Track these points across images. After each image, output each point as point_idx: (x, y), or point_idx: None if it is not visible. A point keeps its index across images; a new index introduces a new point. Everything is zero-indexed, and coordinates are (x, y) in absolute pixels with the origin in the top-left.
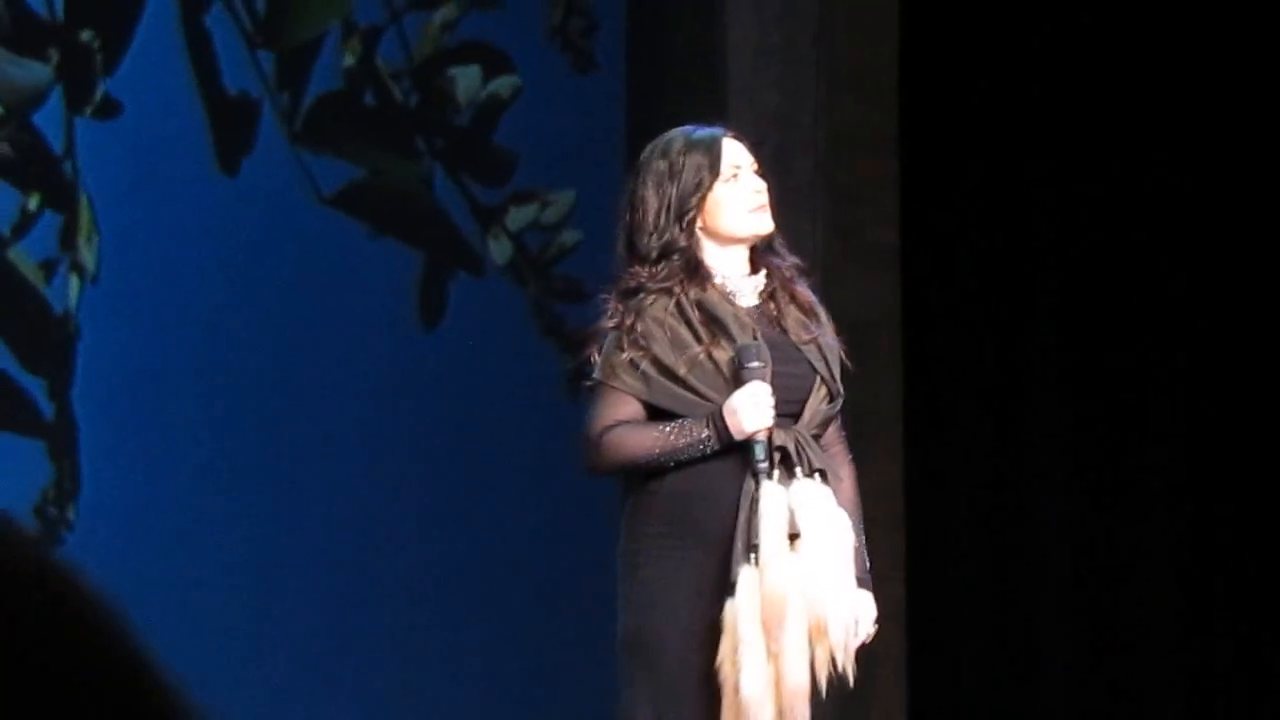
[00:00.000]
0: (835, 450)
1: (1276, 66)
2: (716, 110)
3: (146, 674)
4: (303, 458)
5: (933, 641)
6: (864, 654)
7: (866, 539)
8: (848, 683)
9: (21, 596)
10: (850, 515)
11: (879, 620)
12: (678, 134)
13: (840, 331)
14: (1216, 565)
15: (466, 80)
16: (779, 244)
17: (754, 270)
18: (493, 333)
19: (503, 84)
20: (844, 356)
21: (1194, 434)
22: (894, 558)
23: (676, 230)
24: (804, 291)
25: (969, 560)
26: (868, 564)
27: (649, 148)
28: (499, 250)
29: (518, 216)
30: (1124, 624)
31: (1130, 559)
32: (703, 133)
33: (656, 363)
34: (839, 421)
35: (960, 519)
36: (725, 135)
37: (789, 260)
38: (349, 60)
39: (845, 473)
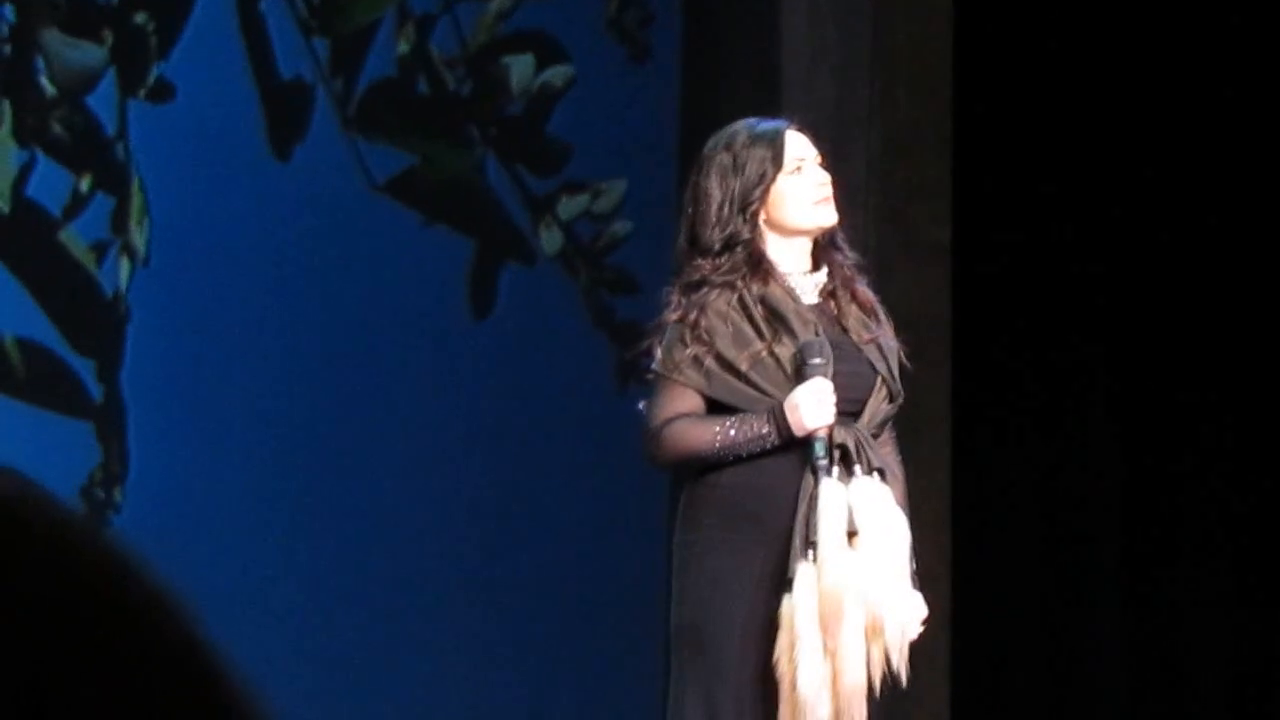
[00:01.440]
0: (889, 450)
1: None
2: (770, 104)
3: (207, 661)
4: (351, 445)
5: (978, 642)
6: (910, 653)
7: (915, 536)
8: (900, 683)
9: (78, 578)
10: (905, 514)
11: (928, 620)
12: (741, 126)
13: (896, 330)
14: (1273, 566)
15: (520, 69)
16: (841, 239)
17: (815, 266)
18: (543, 323)
19: (556, 73)
20: (903, 358)
21: (1248, 435)
22: (940, 557)
23: (740, 222)
24: (865, 291)
25: (1015, 561)
26: (915, 563)
27: (712, 140)
28: (550, 240)
29: (569, 206)
30: (1174, 625)
31: (1183, 558)
32: (766, 125)
33: (719, 358)
34: (891, 422)
35: (1007, 520)
36: (789, 127)
37: (851, 258)
38: (403, 47)
39: (899, 472)
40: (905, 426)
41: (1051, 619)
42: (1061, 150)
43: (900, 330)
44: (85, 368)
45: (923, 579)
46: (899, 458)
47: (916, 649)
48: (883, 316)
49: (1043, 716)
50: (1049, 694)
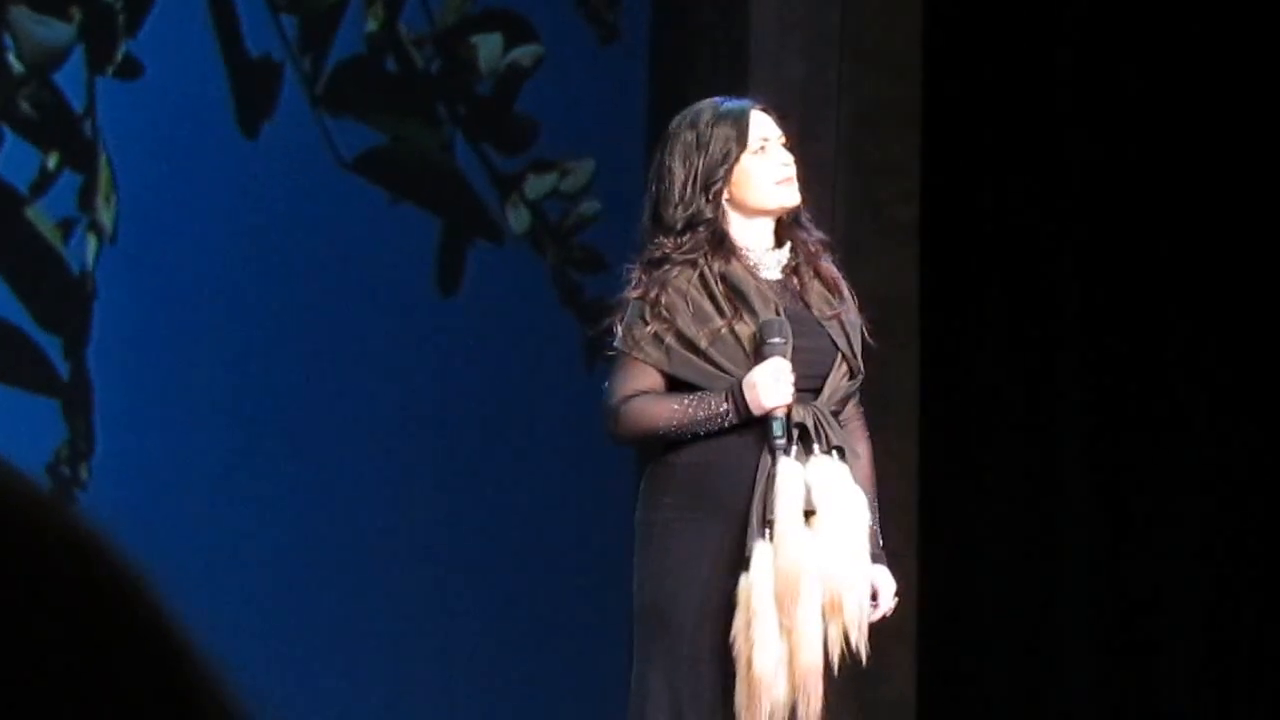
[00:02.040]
0: (854, 426)
1: None
2: (739, 84)
3: (172, 635)
4: (317, 420)
5: (945, 619)
6: (876, 631)
7: (881, 516)
8: (860, 660)
9: (47, 554)
10: (867, 492)
11: (898, 593)
12: (706, 105)
13: (860, 308)
14: (1240, 546)
15: (488, 48)
16: (805, 218)
17: (779, 244)
18: (511, 301)
19: (525, 53)
20: (866, 334)
21: (1219, 417)
22: (908, 535)
23: (703, 201)
24: (828, 267)
25: (983, 539)
26: (881, 540)
27: (677, 118)
28: (518, 219)
29: (537, 185)
30: (1141, 601)
31: (1149, 536)
32: (731, 104)
33: (679, 335)
34: (858, 397)
35: (975, 497)
36: (754, 107)
37: (815, 235)
38: (372, 25)
39: (863, 449)
40: (873, 406)
41: (1018, 598)
42: (1030, 131)
43: (868, 309)
44: (52, 345)
45: (891, 556)
46: (865, 434)
47: (883, 628)
48: (846, 293)
49: (1009, 695)
50: (1015, 672)
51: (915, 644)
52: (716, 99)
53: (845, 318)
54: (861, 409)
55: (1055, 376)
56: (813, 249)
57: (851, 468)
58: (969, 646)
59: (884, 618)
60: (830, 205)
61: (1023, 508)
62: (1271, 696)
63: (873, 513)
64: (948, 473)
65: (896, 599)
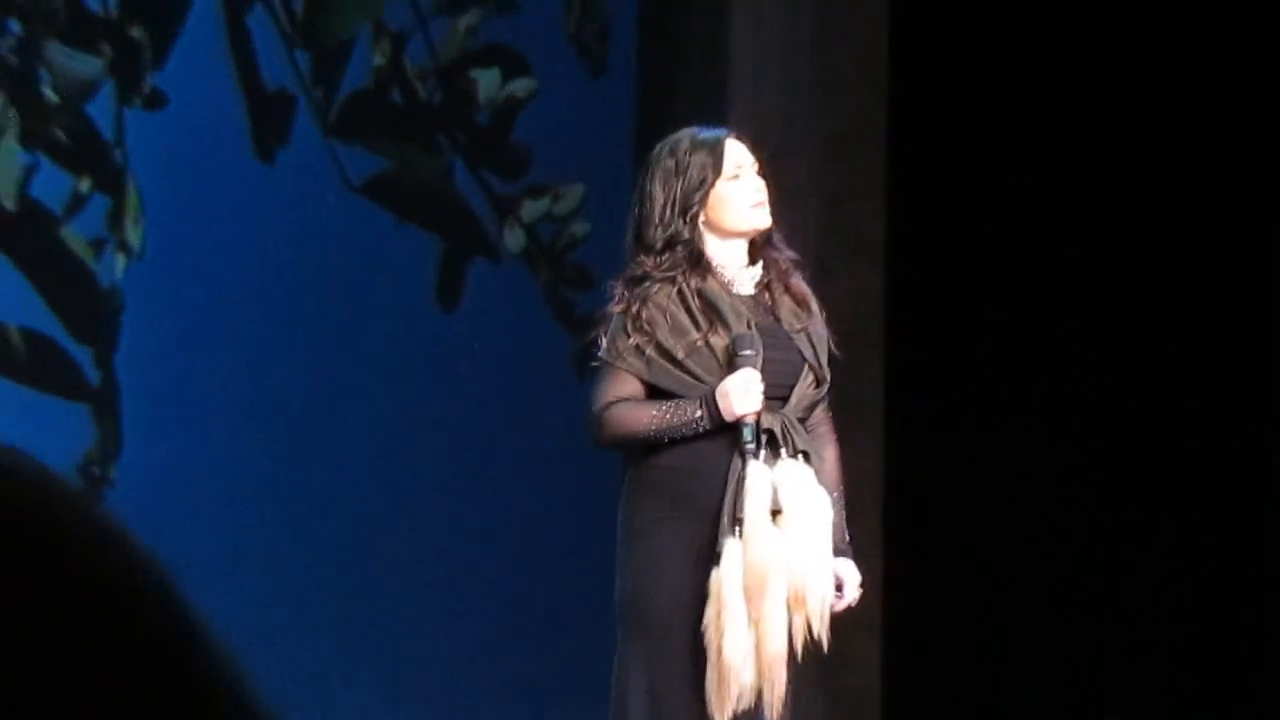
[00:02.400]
0: (822, 431)
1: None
2: (719, 114)
3: (193, 630)
4: (327, 424)
5: (908, 611)
6: (843, 622)
7: (849, 513)
8: (823, 649)
9: (73, 550)
10: (833, 491)
11: (864, 584)
12: (685, 134)
13: (830, 321)
14: (1188, 542)
15: (487, 81)
16: (777, 239)
17: (753, 262)
18: (507, 316)
19: (520, 85)
20: (833, 346)
21: (1167, 418)
22: (873, 533)
23: (681, 223)
24: (798, 284)
25: (944, 536)
26: (848, 536)
27: (658, 146)
28: (513, 239)
29: (531, 208)
30: (1091, 593)
31: (1099, 533)
32: (708, 133)
33: (658, 346)
34: (826, 404)
35: (937, 497)
36: (729, 136)
37: (786, 254)
38: (379, 60)
39: (830, 452)
40: (842, 411)
41: (977, 591)
42: (989, 155)
43: (837, 322)
44: (83, 354)
45: (857, 552)
46: (833, 438)
47: (850, 619)
48: (814, 308)
49: (968, 683)
50: (974, 662)
51: (880, 636)
52: (694, 129)
53: (813, 331)
54: (830, 415)
55: (1011, 385)
56: (784, 267)
57: (817, 470)
58: (931, 638)
59: (849, 607)
60: (803, 226)
61: (981, 506)
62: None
63: (840, 510)
64: (911, 474)
65: (861, 590)
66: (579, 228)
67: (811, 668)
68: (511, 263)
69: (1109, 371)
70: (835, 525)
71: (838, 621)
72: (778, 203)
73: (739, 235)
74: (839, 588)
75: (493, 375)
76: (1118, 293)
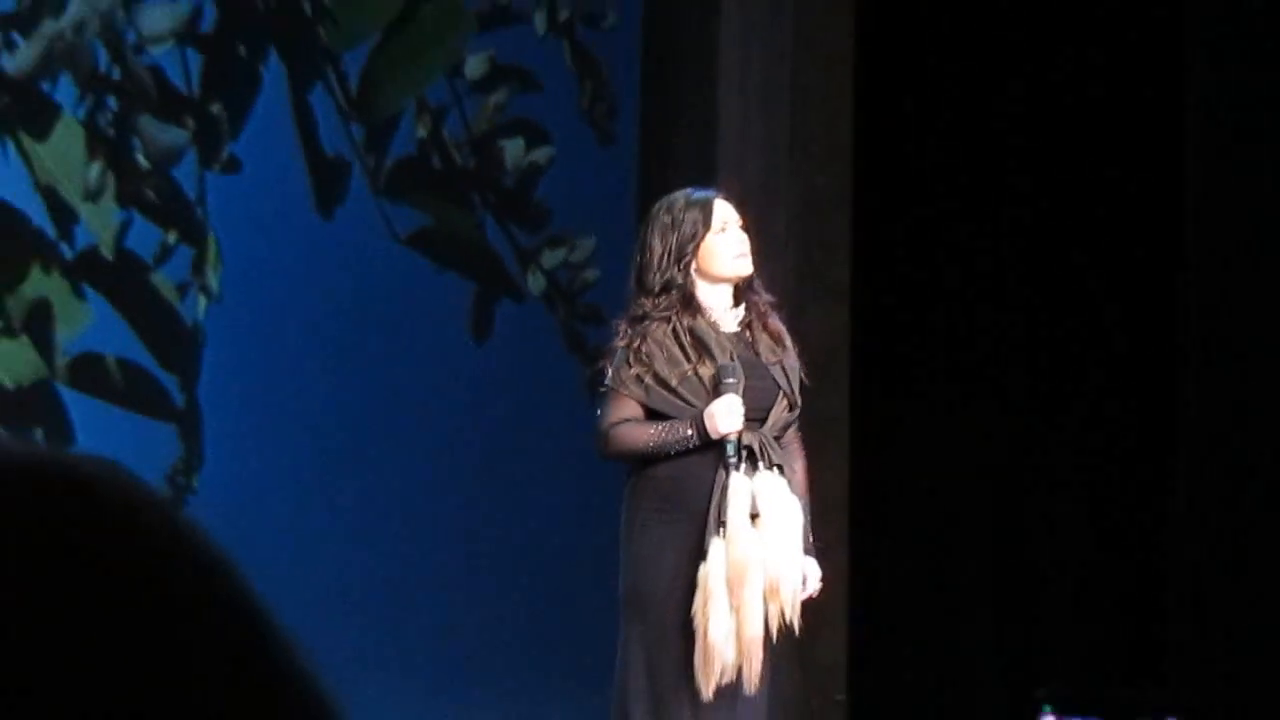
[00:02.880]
0: (794, 448)
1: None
2: (709, 176)
3: (262, 619)
4: (378, 442)
5: (870, 597)
6: (814, 606)
7: (817, 518)
8: (794, 632)
9: (160, 548)
10: (802, 499)
11: (825, 579)
12: (680, 194)
13: (803, 354)
14: (1115, 545)
15: (513, 150)
16: (758, 284)
17: (736, 304)
18: (530, 348)
19: (541, 153)
20: (804, 375)
21: (1093, 434)
22: (840, 532)
23: (675, 270)
24: (775, 323)
25: (901, 534)
26: (812, 538)
27: (657, 204)
28: (535, 283)
29: (551, 257)
30: (1026, 581)
31: (1031, 533)
32: (700, 194)
33: (655, 376)
34: (798, 425)
35: (894, 503)
36: (718, 196)
37: (765, 297)
38: (421, 132)
39: (799, 465)
40: (813, 429)
41: (929, 580)
42: (942, 210)
43: (811, 353)
44: (171, 382)
45: (825, 550)
46: (803, 453)
47: (820, 606)
48: (789, 344)
49: (922, 658)
50: (926, 640)
51: (846, 617)
52: (689, 189)
53: (787, 363)
54: (800, 434)
55: (959, 407)
56: (763, 308)
57: (790, 481)
58: (889, 619)
59: (812, 597)
60: (781, 271)
61: (932, 508)
62: (1131, 656)
63: (807, 516)
64: (873, 482)
65: (822, 584)
66: (591, 274)
67: (787, 645)
68: (534, 303)
69: (1046, 396)
70: (803, 529)
71: (808, 607)
72: (759, 252)
73: (725, 281)
74: (804, 581)
75: (518, 397)
76: (1053, 326)
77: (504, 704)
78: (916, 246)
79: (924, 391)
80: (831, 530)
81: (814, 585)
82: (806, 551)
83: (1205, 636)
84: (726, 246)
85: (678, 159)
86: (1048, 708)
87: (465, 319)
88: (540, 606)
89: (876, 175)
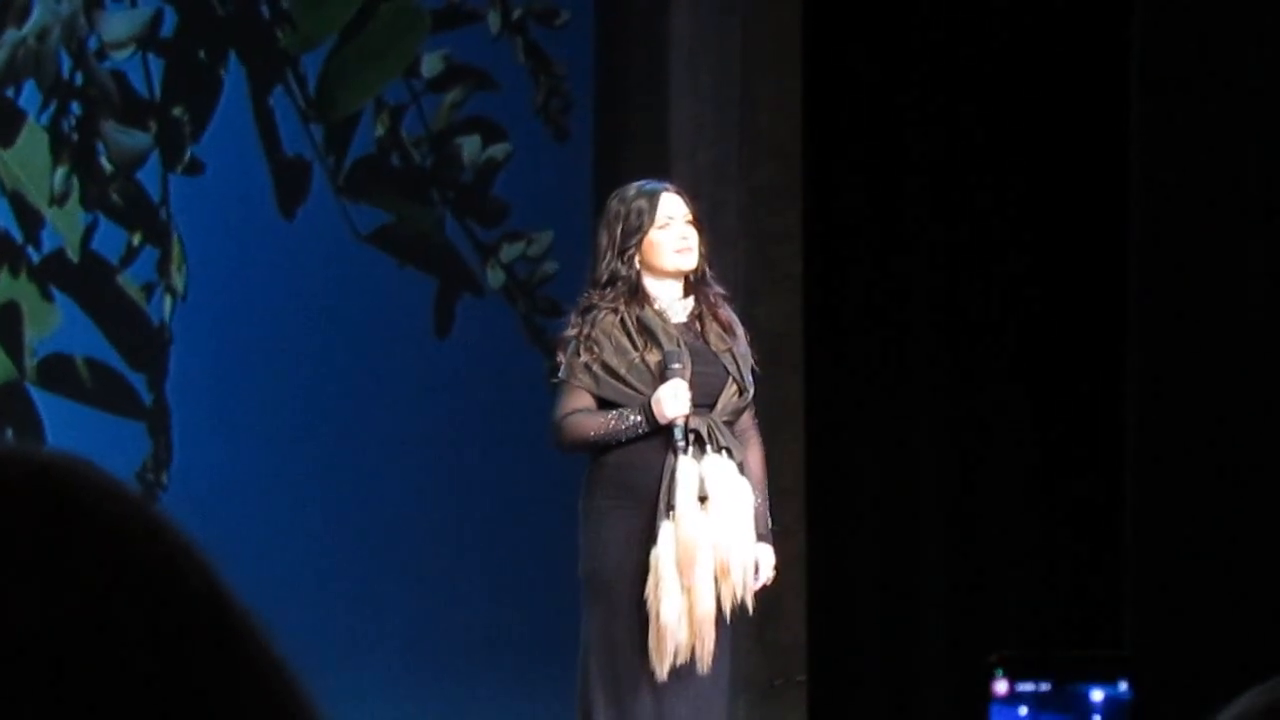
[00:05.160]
0: (750, 435)
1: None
2: (662, 171)
3: (232, 607)
4: (343, 434)
5: (828, 577)
6: (772, 589)
7: (775, 501)
8: (749, 612)
9: (133, 541)
10: (756, 483)
11: (779, 566)
12: (633, 186)
13: (755, 341)
14: (1068, 518)
15: (470, 147)
16: (710, 276)
17: (686, 295)
18: (490, 341)
19: (498, 150)
20: (755, 363)
21: (1044, 423)
22: (797, 515)
23: (619, 263)
24: (725, 312)
25: (857, 515)
26: (769, 523)
27: (611, 195)
28: (494, 277)
29: (509, 251)
30: (977, 562)
31: (984, 513)
32: (650, 185)
33: (604, 365)
34: (753, 410)
35: (849, 484)
36: (667, 189)
37: (715, 289)
38: (380, 131)
39: (754, 453)
40: (768, 414)
41: (884, 560)
42: (890, 200)
43: (764, 340)
44: (139, 380)
45: (785, 532)
46: (758, 438)
47: (779, 588)
48: (739, 332)
49: (878, 635)
50: (883, 617)
51: (805, 597)
52: (642, 181)
53: (736, 350)
54: (756, 420)
55: (908, 390)
56: (712, 299)
57: (740, 464)
58: (847, 599)
59: (766, 585)
60: (734, 262)
61: (886, 492)
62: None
63: (762, 500)
64: (827, 464)
65: (776, 571)
66: (549, 267)
67: (747, 626)
68: (493, 297)
69: (988, 379)
70: (758, 515)
71: (765, 589)
72: (713, 244)
73: (668, 274)
74: (757, 569)
75: (479, 390)
76: (1004, 311)
77: (471, 688)
78: (866, 235)
79: (873, 376)
80: (789, 512)
81: (766, 573)
82: (762, 537)
83: (1158, 600)
84: (668, 241)
85: (630, 153)
86: (999, 671)
87: (427, 314)
88: (504, 594)
89: (827, 168)
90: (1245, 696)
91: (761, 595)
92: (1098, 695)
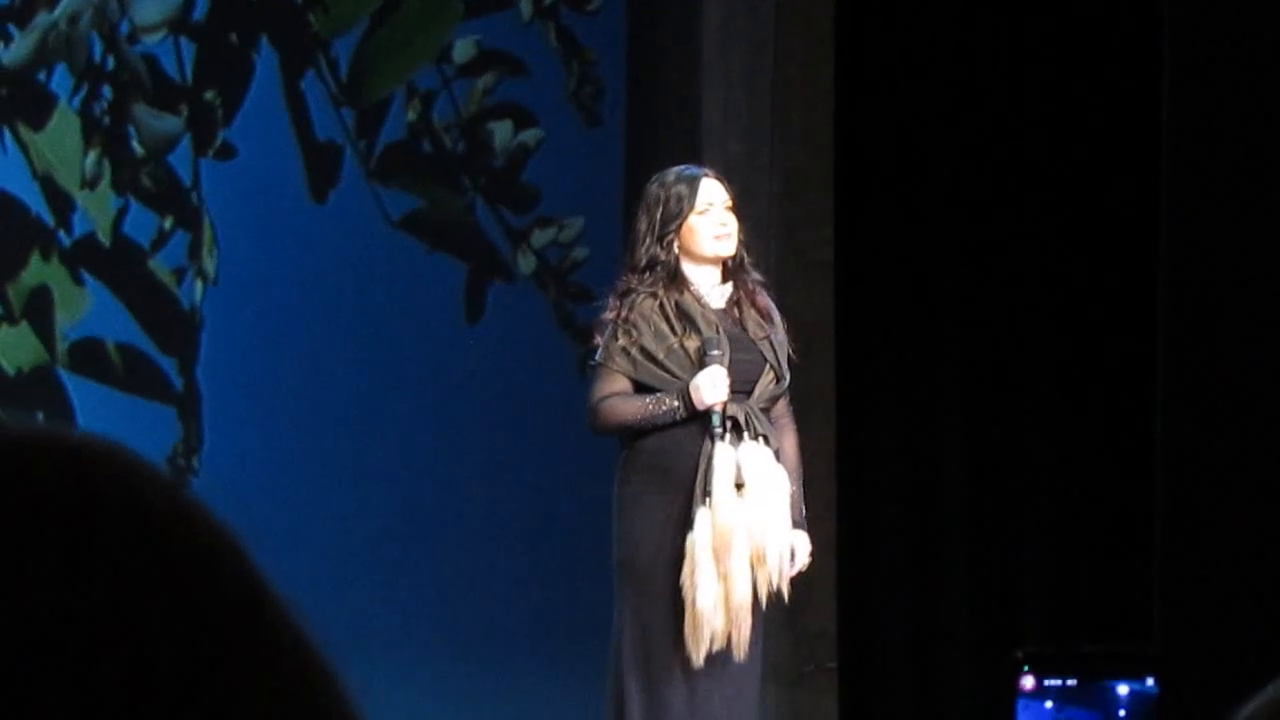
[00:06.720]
0: (784, 422)
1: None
2: (693, 158)
3: (264, 588)
4: (374, 419)
5: (857, 565)
6: (804, 575)
7: (806, 489)
8: (784, 599)
9: (166, 523)
10: (791, 471)
11: (814, 553)
12: (673, 171)
13: (789, 329)
14: (1080, 507)
15: (501, 132)
16: (748, 263)
17: (725, 281)
18: (521, 327)
19: (529, 135)
20: (792, 351)
21: (1063, 414)
22: (828, 502)
23: (658, 248)
24: (763, 299)
25: (885, 503)
26: (804, 510)
27: (651, 180)
28: (525, 263)
29: (540, 237)
30: (1001, 548)
31: (1008, 501)
32: (691, 171)
33: (642, 349)
34: (788, 398)
35: (878, 473)
36: (707, 175)
37: (753, 276)
38: (411, 116)
39: (789, 440)
40: (800, 402)
41: (911, 548)
42: (920, 190)
43: (795, 328)
44: (169, 365)
45: (815, 519)
46: (793, 426)
47: (810, 575)
48: (777, 320)
49: (906, 623)
50: (910, 605)
51: (835, 584)
52: (682, 166)
53: (774, 338)
54: (791, 407)
55: (938, 379)
56: (750, 286)
57: (776, 451)
58: (876, 586)
59: (801, 571)
60: (767, 251)
61: (916, 480)
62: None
63: (797, 487)
64: (858, 451)
65: (812, 557)
66: (579, 253)
67: (777, 613)
68: (524, 283)
69: (1017, 368)
70: (794, 502)
71: (799, 576)
72: (746, 232)
73: (706, 260)
74: (793, 556)
75: (511, 375)
76: (1033, 297)
77: (503, 675)
78: (896, 227)
79: (904, 363)
80: (820, 499)
81: (803, 559)
82: (797, 524)
83: (1187, 596)
84: (707, 227)
85: (662, 139)
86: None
87: (458, 299)
88: (537, 580)
89: (858, 158)
90: (1270, 688)
91: (795, 582)
92: (1124, 691)
